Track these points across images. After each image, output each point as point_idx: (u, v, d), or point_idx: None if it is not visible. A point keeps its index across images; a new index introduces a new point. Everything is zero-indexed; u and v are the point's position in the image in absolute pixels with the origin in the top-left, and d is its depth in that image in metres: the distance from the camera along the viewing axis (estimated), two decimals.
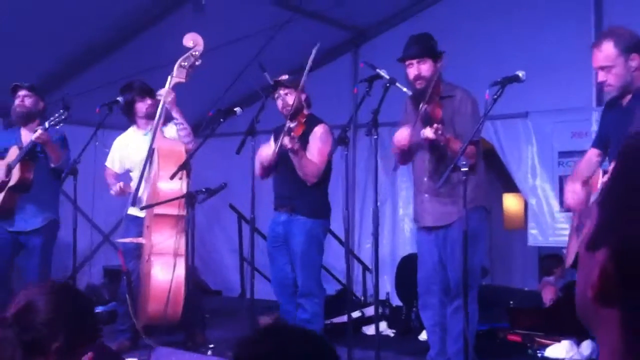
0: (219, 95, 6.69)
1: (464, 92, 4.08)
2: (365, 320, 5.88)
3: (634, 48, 3.35)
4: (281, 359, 1.26)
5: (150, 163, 4.78)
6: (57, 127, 4.66)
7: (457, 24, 6.23)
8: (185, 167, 4.43)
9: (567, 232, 3.64)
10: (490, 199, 4.35)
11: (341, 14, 6.53)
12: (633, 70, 3.35)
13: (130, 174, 5.06)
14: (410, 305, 5.81)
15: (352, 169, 6.88)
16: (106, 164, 5.20)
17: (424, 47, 4.03)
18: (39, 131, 4.56)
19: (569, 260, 3.50)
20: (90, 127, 4.86)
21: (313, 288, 4.52)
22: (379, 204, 3.98)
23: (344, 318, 4.92)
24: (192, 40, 4.67)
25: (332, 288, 6.85)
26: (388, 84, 3.92)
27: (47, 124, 4.53)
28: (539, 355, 4.94)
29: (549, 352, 4.91)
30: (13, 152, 4.84)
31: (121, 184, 4.91)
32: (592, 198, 3.32)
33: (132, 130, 5.18)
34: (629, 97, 3.41)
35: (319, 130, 4.55)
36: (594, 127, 5.41)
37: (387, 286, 6.36)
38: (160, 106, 4.75)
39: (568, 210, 3.61)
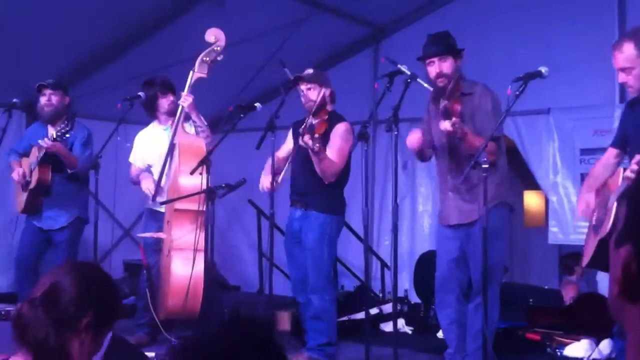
0: (239, 90, 6.70)
1: (485, 89, 4.06)
2: (383, 317, 5.88)
3: None
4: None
5: (171, 158, 4.81)
6: (77, 128, 4.72)
7: (477, 20, 6.20)
8: (205, 162, 4.44)
9: (586, 230, 3.61)
10: (512, 195, 4.33)
11: (361, 10, 6.52)
12: None
13: (151, 169, 5.09)
14: (428, 303, 5.79)
15: (371, 165, 6.87)
16: (130, 160, 5.24)
17: (445, 45, 4.04)
18: (47, 141, 4.62)
19: (585, 260, 3.48)
20: (111, 122, 4.90)
21: (323, 284, 4.50)
22: (398, 200, 3.97)
23: (362, 315, 4.93)
24: (214, 36, 4.67)
25: (350, 284, 6.85)
26: (409, 80, 3.91)
27: (54, 134, 4.58)
28: (558, 354, 4.91)
29: (568, 350, 4.87)
30: (34, 153, 4.93)
31: (151, 185, 4.92)
32: (612, 198, 3.28)
33: (153, 126, 5.21)
34: None
35: (340, 128, 4.52)
36: (616, 125, 5.35)
37: (405, 283, 6.35)
38: (179, 111, 4.77)
39: (580, 219, 3.60)
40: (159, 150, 4.96)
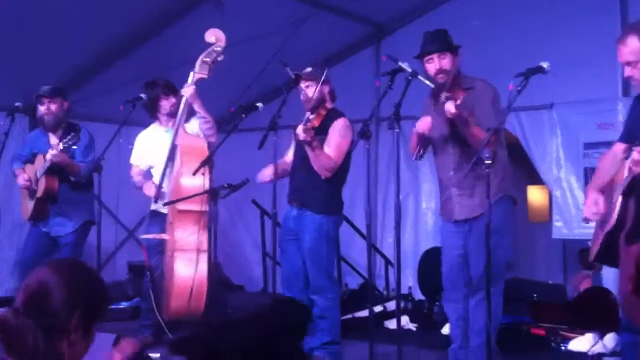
0: (241, 91, 6.70)
1: (485, 83, 4.07)
2: (387, 315, 5.88)
3: None
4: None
5: (173, 159, 4.80)
6: (80, 134, 4.74)
7: (478, 17, 6.19)
8: (207, 163, 4.43)
9: (592, 224, 3.59)
10: (515, 189, 4.32)
11: (362, 8, 6.52)
12: None
13: (152, 170, 5.08)
14: (432, 299, 5.79)
15: (374, 162, 6.87)
16: (131, 161, 5.24)
17: (443, 42, 4.05)
18: (54, 152, 4.66)
19: (592, 255, 3.47)
20: (113, 124, 4.90)
21: (324, 283, 4.48)
22: (401, 197, 3.96)
23: (366, 312, 4.92)
24: (214, 36, 4.66)
25: (354, 282, 6.86)
26: (410, 77, 3.90)
27: (61, 145, 4.61)
28: (563, 348, 4.91)
29: (572, 345, 4.87)
30: (39, 161, 4.96)
31: (154, 186, 4.93)
32: (618, 190, 3.27)
33: (153, 127, 5.20)
34: None
35: (338, 124, 4.50)
36: (620, 118, 5.34)
37: (409, 280, 6.35)
38: (182, 102, 4.77)
39: (587, 221, 3.56)
40: (160, 152, 4.95)
